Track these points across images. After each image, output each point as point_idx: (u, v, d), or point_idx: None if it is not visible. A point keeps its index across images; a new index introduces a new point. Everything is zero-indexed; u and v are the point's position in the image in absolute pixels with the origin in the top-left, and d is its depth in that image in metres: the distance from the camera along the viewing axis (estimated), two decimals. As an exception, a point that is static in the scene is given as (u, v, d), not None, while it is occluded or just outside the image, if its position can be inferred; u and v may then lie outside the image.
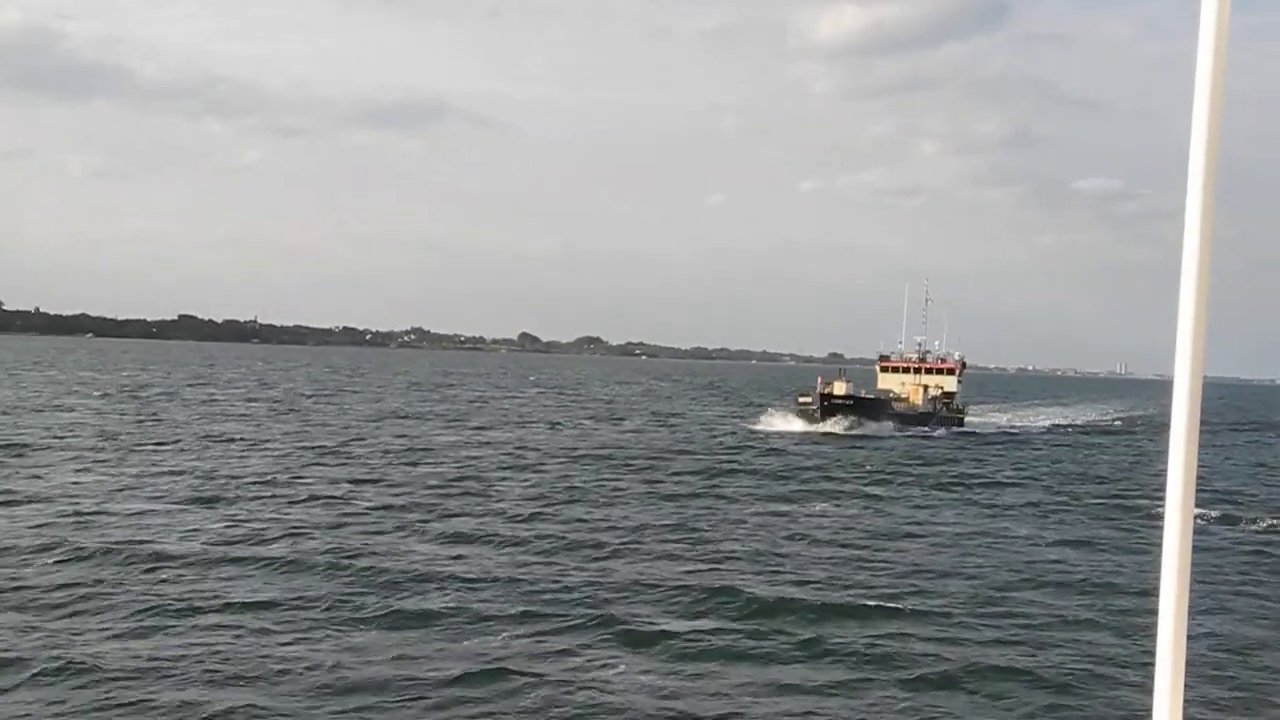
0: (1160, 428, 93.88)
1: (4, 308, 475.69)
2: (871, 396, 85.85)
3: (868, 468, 56.70)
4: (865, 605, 24.95)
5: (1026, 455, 69.91)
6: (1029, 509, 44.04)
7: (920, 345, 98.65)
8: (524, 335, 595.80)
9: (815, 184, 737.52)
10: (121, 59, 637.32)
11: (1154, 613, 2.91)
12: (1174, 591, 2.81)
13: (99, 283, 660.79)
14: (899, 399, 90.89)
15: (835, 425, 78.09)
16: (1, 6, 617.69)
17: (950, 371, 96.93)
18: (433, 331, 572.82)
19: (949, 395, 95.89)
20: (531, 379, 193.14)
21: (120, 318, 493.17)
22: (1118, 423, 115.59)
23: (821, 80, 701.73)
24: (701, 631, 22.39)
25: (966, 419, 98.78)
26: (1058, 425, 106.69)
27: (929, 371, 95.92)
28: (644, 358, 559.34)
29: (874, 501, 44.20)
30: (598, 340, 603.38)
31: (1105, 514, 43.30)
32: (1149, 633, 4.66)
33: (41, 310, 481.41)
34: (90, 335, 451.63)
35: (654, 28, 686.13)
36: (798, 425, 79.26)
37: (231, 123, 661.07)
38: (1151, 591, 2.96)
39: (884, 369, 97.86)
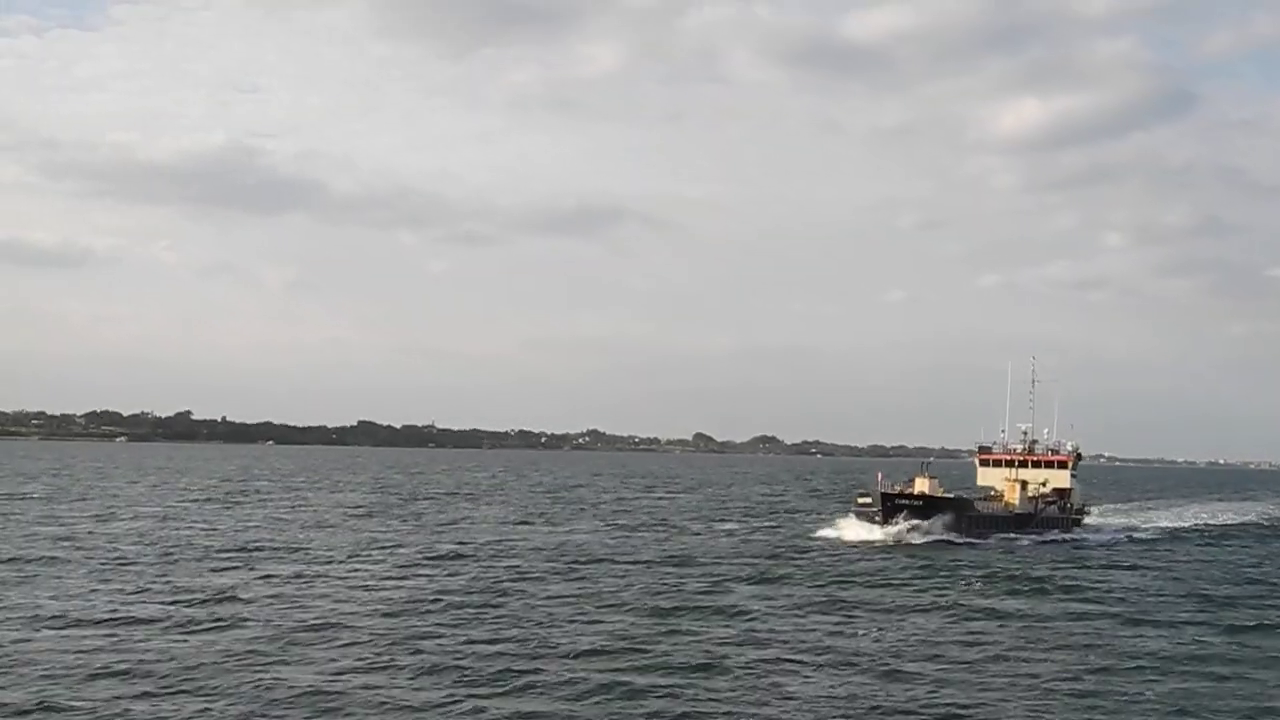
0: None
1: (192, 417, 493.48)
2: (950, 496, 72.75)
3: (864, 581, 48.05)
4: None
5: (1127, 564, 58.78)
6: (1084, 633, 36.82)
7: (1026, 434, 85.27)
8: (699, 435, 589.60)
9: (996, 278, 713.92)
10: (317, 174, 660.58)
11: None
12: None
13: (283, 391, 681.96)
14: (995, 497, 78.57)
15: (899, 531, 66.36)
16: (208, 130, 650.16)
17: (1063, 464, 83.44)
18: (607, 433, 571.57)
19: (1061, 492, 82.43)
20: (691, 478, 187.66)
21: (302, 425, 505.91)
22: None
23: (1002, 174, 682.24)
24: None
25: (1088, 520, 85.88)
26: (1216, 525, 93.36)
27: (1036, 465, 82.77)
28: (819, 456, 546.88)
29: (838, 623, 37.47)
30: (773, 439, 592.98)
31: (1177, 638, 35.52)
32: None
33: (227, 419, 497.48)
34: (271, 443, 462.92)
35: (827, 125, 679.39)
36: (856, 531, 68.05)
37: (421, 232, 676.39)
38: None
39: (983, 462, 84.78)
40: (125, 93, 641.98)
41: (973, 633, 36.40)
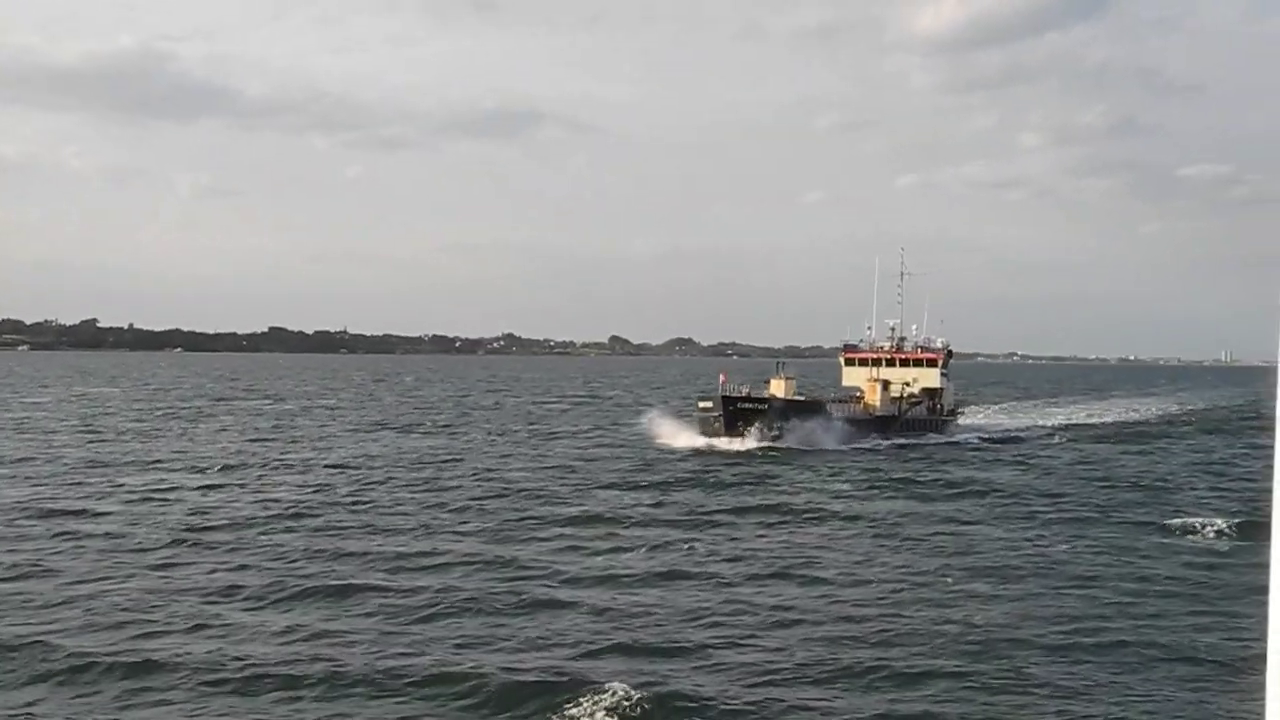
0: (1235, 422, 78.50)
1: (98, 325, 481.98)
2: (801, 398, 68.56)
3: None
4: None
5: (985, 467, 56.47)
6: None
7: (894, 331, 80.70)
8: (614, 338, 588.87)
9: (914, 179, 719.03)
10: (228, 78, 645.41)
11: None
12: None
13: (194, 298, 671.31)
14: (856, 399, 74.72)
15: (742, 438, 61.93)
16: (113, 32, 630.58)
17: (932, 363, 79.12)
18: (523, 337, 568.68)
19: (931, 392, 78.53)
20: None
21: (212, 332, 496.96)
22: (1159, 416, 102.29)
23: (920, 74, 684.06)
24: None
25: (962, 420, 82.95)
26: (1106, 423, 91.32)
27: (904, 363, 78.62)
28: (735, 357, 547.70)
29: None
30: (689, 341, 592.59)
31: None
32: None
33: (135, 326, 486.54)
34: (179, 350, 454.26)
35: (748, 27, 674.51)
36: (694, 438, 63.50)
37: (333, 137, 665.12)
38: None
39: (849, 361, 79.93)
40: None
41: (789, 544, 34.58)
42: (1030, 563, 31.23)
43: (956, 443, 71.80)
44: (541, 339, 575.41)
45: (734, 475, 50.89)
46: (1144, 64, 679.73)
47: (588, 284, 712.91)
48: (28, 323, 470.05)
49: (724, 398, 63.88)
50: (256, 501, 40.89)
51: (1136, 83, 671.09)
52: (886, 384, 75.16)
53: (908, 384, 77.26)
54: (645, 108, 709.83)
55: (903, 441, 69.19)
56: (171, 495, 42.23)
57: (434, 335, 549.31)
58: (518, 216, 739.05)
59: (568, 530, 35.90)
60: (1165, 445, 72.96)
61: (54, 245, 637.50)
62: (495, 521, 37.06)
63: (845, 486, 47.95)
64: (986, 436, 76.61)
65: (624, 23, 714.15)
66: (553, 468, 53.13)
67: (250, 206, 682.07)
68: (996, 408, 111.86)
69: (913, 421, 74.85)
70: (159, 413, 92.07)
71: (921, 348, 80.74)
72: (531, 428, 79.94)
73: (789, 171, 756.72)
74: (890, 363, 79.01)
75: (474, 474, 50.24)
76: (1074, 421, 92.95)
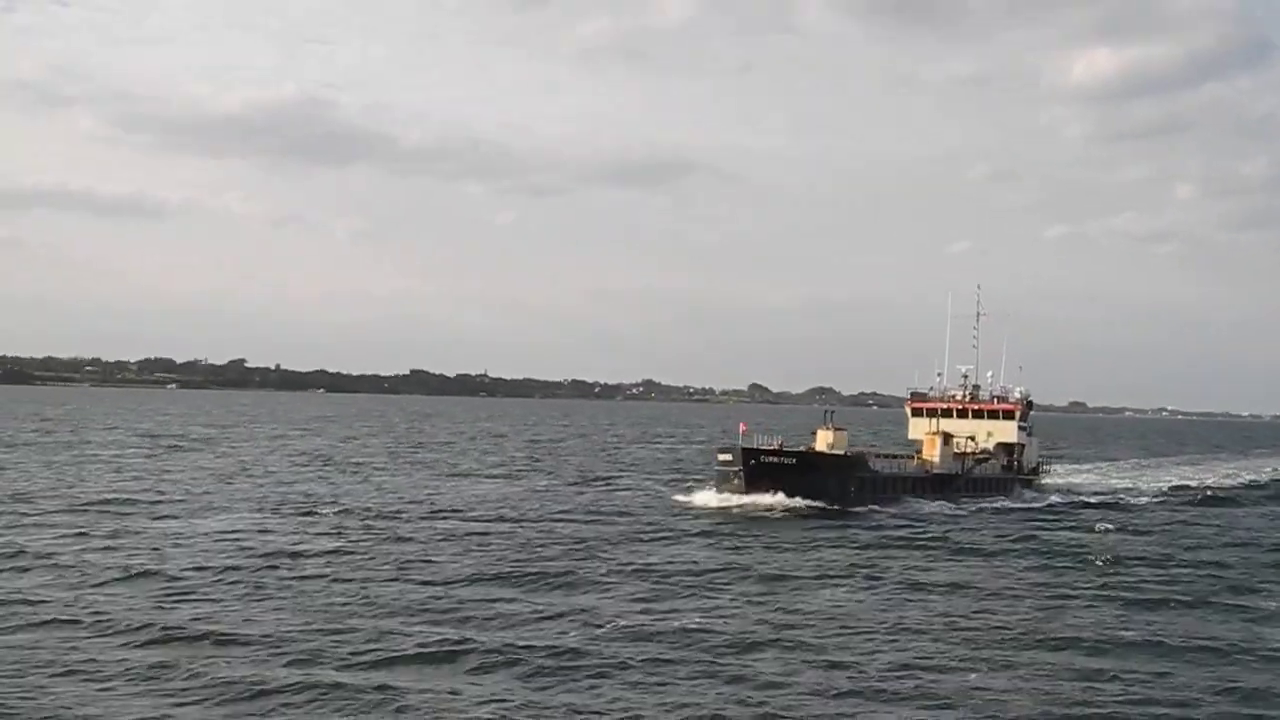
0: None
1: (246, 365, 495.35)
2: (840, 453, 60.64)
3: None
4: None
5: (1046, 537, 48.12)
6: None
7: (966, 378, 72.79)
8: (754, 386, 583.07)
9: (1064, 229, 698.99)
10: (385, 125, 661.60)
11: None
12: None
13: (342, 340, 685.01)
14: (917, 454, 66.62)
15: (764, 496, 55.25)
16: (278, 81, 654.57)
17: (1009, 414, 70.96)
18: (662, 383, 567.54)
19: (1008, 448, 70.69)
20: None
21: (356, 373, 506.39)
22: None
23: (1073, 124, 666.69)
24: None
25: (1046, 480, 73.79)
26: (1226, 486, 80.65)
27: (976, 415, 70.71)
28: (875, 408, 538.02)
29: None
30: (829, 390, 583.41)
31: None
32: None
33: (281, 367, 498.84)
34: (322, 391, 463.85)
35: (899, 77, 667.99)
36: (712, 496, 57.10)
37: (488, 184, 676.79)
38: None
39: (916, 411, 72.37)
40: (197, 45, 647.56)
41: (787, 609, 31.56)
42: (1068, 642, 28.12)
43: (1032, 506, 62.95)
44: (680, 386, 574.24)
45: (744, 537, 45.96)
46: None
47: (729, 331, 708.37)
48: (178, 361, 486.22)
49: (744, 450, 57.38)
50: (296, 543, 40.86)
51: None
52: (948, 437, 67.09)
53: (974, 438, 69.66)
54: (793, 157, 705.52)
55: (964, 503, 61.02)
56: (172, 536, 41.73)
57: (573, 380, 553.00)
58: (661, 264, 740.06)
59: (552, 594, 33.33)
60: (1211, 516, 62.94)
61: (212, 288, 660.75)
62: (487, 575, 35.51)
63: (854, 550, 43.31)
64: (1075, 499, 67.43)
65: (774, 72, 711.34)
66: (572, 520, 50.12)
67: (402, 251, 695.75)
68: (1135, 462, 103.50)
69: (980, 481, 66.83)
70: (240, 452, 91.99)
71: (998, 397, 72.91)
72: (599, 476, 76.81)
73: (935, 221, 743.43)
74: (961, 413, 71.45)
75: (501, 520, 48.83)
76: (1196, 483, 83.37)
